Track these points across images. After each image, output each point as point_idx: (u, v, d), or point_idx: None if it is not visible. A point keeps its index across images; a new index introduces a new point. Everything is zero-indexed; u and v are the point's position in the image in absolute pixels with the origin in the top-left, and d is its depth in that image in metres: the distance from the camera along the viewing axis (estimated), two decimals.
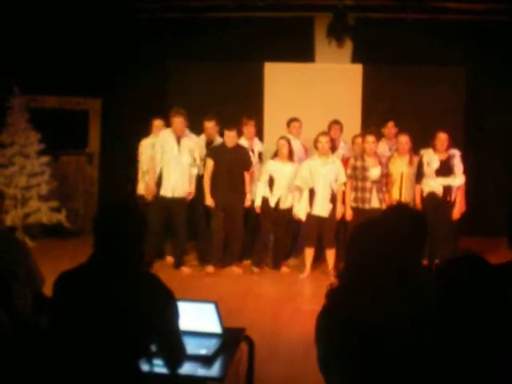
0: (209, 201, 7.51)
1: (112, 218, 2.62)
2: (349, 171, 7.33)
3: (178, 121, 7.40)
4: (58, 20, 8.87)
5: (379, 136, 7.70)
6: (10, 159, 8.69)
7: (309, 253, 7.47)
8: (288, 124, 7.99)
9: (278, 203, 7.47)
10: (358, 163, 7.28)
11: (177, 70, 9.66)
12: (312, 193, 7.32)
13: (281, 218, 7.53)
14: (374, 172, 7.23)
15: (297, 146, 7.92)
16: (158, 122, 7.81)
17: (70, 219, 9.03)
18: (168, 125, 7.64)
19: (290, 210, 7.51)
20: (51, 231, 8.98)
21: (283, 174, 7.41)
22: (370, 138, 7.28)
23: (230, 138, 7.42)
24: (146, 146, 7.82)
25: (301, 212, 7.39)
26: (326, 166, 7.27)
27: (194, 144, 7.63)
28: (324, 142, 7.26)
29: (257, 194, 7.54)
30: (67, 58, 9.14)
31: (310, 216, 7.34)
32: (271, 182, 7.46)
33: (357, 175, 7.27)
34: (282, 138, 7.49)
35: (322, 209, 7.28)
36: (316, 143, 7.33)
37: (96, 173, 9.97)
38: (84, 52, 9.17)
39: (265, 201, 7.49)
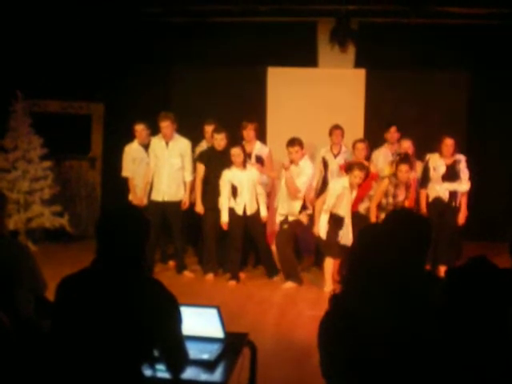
0: (199, 208, 7.47)
1: (114, 223, 2.62)
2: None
3: (165, 125, 7.42)
4: (61, 24, 8.88)
5: (411, 163, 7.17)
6: (13, 164, 8.71)
7: (330, 262, 7.13)
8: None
9: (245, 210, 7.33)
10: (391, 189, 6.99)
11: (180, 75, 9.67)
12: (338, 219, 7.01)
13: (251, 223, 7.38)
14: (402, 197, 7.05)
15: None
16: (139, 127, 7.73)
17: (73, 224, 9.03)
18: (154, 129, 7.67)
19: (256, 215, 7.34)
20: (54, 235, 8.98)
21: (243, 180, 7.26)
22: (404, 168, 6.92)
23: (218, 141, 7.35)
24: (127, 152, 7.85)
25: (322, 231, 7.05)
26: (353, 192, 7.03)
27: (184, 147, 7.60)
28: (358, 177, 6.89)
29: (222, 209, 7.32)
30: (70, 62, 9.15)
31: (338, 245, 7.00)
32: (234, 191, 7.31)
33: (388, 203, 7.00)
34: (237, 146, 7.26)
35: (349, 239, 6.89)
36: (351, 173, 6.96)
37: (98, 177, 9.97)
38: (87, 56, 9.18)
39: (231, 211, 7.33)
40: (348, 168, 7.04)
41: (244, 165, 7.27)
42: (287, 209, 7.35)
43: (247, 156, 7.51)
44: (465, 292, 2.25)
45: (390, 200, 7.01)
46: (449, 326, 2.24)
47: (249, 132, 7.66)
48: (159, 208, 7.49)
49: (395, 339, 2.20)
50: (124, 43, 9.30)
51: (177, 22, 9.23)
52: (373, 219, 6.99)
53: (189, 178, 7.60)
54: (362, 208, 7.30)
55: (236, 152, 7.20)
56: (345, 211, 7.01)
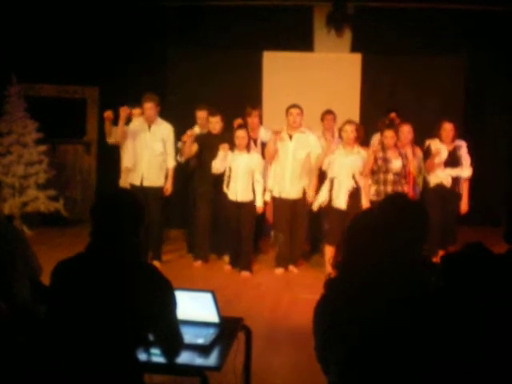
0: None
1: (109, 207, 2.61)
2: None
3: (148, 106, 7.17)
4: (57, 8, 8.82)
5: (396, 129, 7.14)
6: (8, 148, 8.67)
7: (330, 250, 6.88)
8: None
9: (236, 198, 7.13)
10: (380, 154, 6.88)
11: (175, 59, 9.62)
12: (332, 183, 6.92)
13: (242, 211, 7.14)
14: (396, 164, 6.87)
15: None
16: (135, 111, 7.55)
17: (68, 208, 9.02)
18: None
19: (249, 204, 7.14)
20: (49, 220, 8.97)
21: (240, 165, 7.06)
22: (389, 133, 6.88)
23: (213, 124, 7.27)
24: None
25: (317, 202, 6.99)
26: (349, 156, 6.86)
27: (166, 131, 7.34)
28: (349, 131, 6.84)
29: (215, 164, 7.12)
30: (65, 46, 9.09)
31: (332, 210, 6.89)
32: (228, 177, 7.15)
33: (379, 167, 6.85)
34: (241, 128, 7.14)
35: (343, 202, 6.78)
36: (341, 132, 6.96)
37: (94, 161, 9.95)
38: (82, 40, 9.12)
39: (225, 197, 7.16)
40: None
41: (248, 149, 7.12)
42: (300, 189, 7.22)
43: (253, 142, 7.38)
44: (460, 278, 2.25)
45: (381, 163, 6.81)
46: (444, 311, 2.24)
47: (253, 119, 7.53)
48: (138, 192, 7.26)
49: (391, 323, 2.19)
50: (119, 27, 9.23)
51: (172, 6, 9.18)
52: (366, 187, 6.85)
53: (171, 163, 7.38)
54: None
55: (241, 134, 7.03)
56: (342, 177, 6.86)
